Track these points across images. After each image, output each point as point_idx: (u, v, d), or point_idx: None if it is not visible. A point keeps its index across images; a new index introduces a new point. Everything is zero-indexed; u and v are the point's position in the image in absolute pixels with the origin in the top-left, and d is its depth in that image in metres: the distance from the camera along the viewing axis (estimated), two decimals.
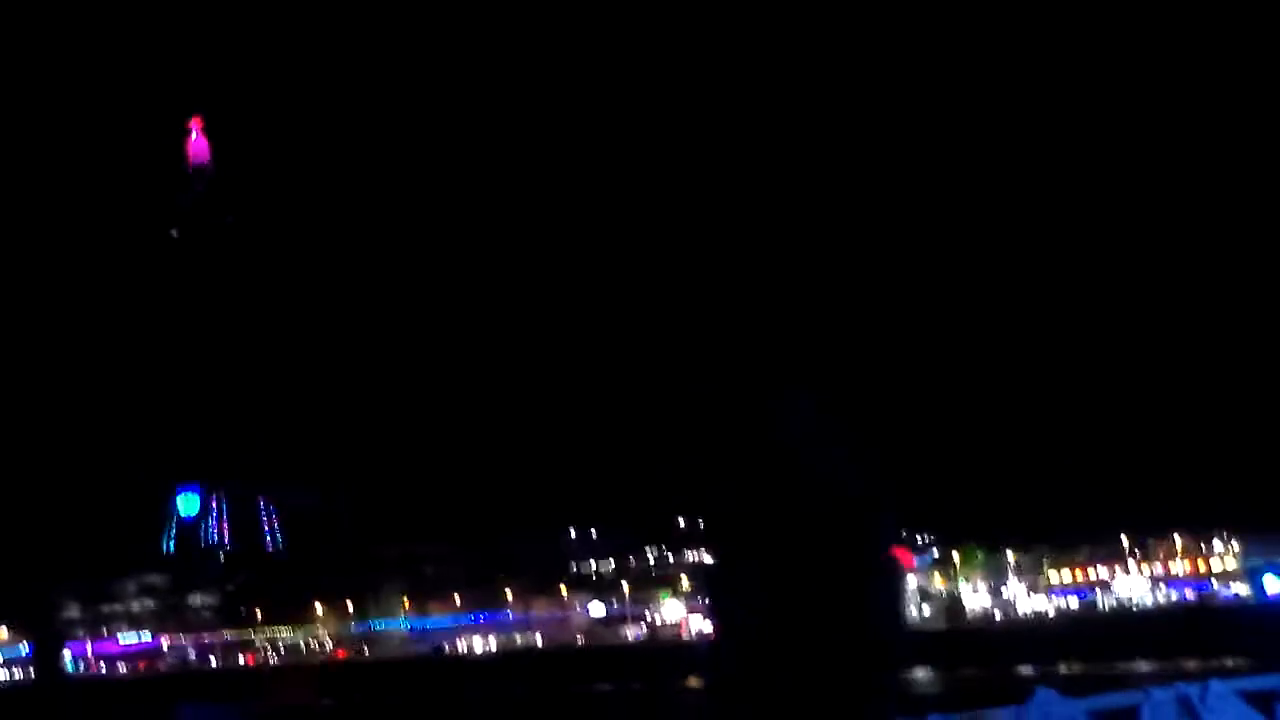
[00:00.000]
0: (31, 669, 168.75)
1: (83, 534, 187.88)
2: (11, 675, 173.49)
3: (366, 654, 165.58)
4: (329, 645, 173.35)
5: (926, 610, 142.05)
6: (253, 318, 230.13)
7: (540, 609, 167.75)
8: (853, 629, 4.60)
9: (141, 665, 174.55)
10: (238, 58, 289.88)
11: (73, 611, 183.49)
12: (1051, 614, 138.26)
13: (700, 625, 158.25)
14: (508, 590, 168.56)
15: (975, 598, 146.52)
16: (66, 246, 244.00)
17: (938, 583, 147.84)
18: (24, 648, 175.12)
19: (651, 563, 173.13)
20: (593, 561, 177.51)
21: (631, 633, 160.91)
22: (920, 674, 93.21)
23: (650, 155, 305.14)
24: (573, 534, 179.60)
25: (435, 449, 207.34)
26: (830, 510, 4.68)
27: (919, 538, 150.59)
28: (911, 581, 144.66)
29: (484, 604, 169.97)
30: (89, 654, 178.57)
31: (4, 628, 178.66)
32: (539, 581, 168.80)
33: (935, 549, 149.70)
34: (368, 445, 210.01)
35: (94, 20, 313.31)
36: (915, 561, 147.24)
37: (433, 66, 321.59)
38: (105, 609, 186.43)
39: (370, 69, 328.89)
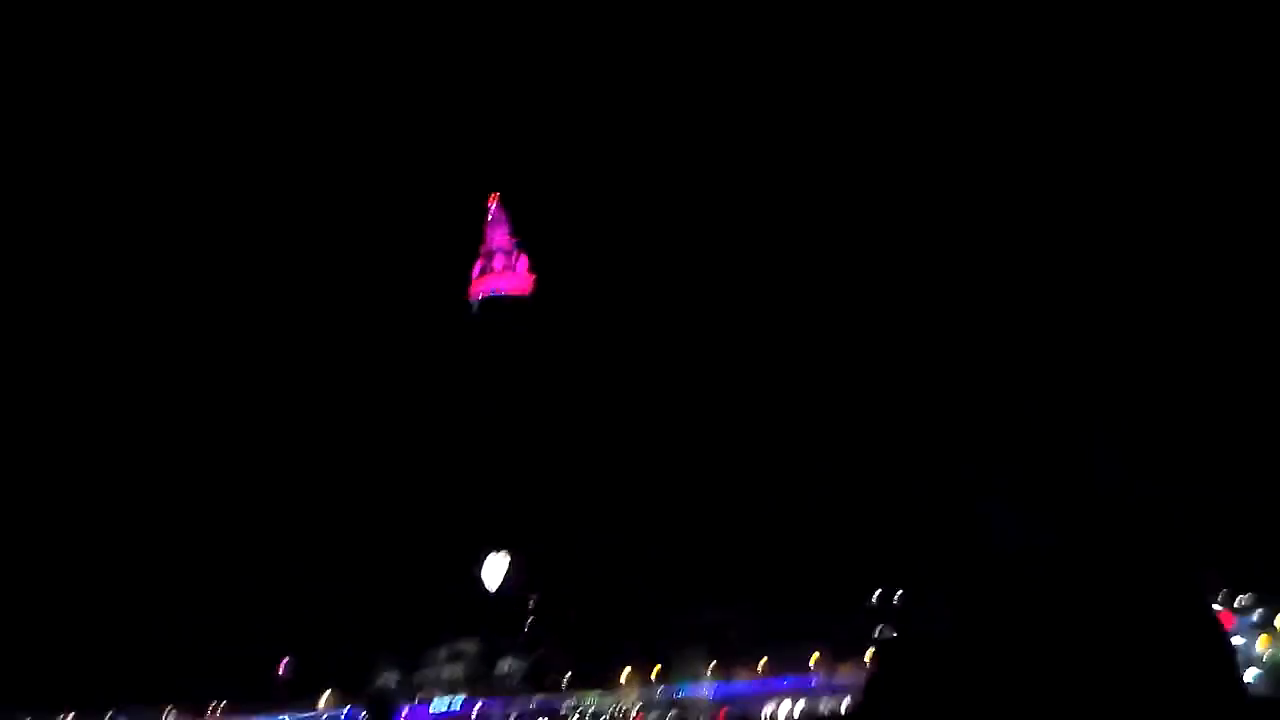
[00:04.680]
0: None
1: (399, 602, 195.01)
2: None
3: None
4: (634, 711, 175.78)
5: (1249, 677, 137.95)
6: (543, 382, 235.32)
7: (844, 674, 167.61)
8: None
9: None
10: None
11: (390, 677, 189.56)
12: None
13: None
14: (813, 656, 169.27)
15: None
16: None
17: (1261, 646, 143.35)
18: (345, 711, 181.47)
19: None
20: None
21: None
22: None
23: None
24: (874, 598, 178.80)
25: (737, 514, 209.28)
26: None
27: (1238, 598, 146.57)
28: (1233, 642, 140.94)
29: (787, 669, 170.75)
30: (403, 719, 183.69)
31: (330, 692, 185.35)
32: (842, 646, 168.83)
33: (1259, 610, 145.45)
34: (670, 506, 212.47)
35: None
36: (1235, 623, 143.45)
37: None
38: (417, 675, 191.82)
39: None
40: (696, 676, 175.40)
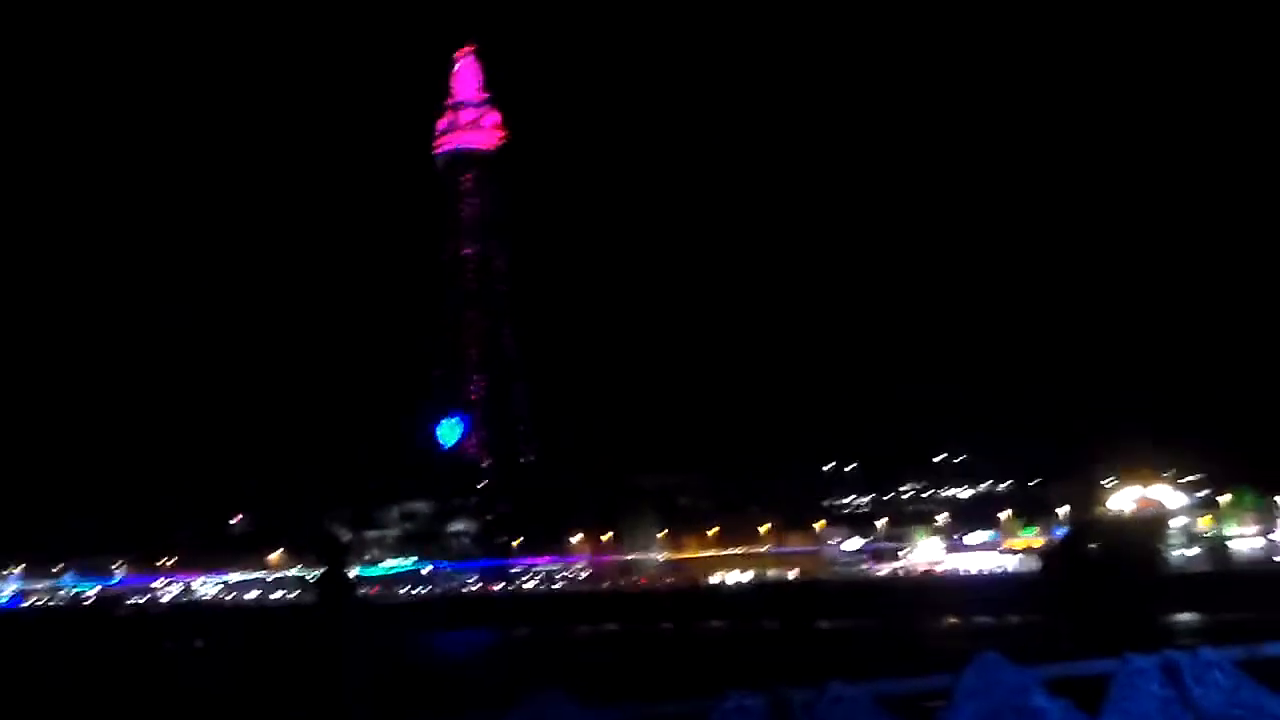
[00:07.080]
0: (318, 591, 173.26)
1: (350, 462, 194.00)
2: (291, 597, 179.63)
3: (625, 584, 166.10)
4: (583, 575, 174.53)
5: (1192, 551, 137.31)
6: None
7: (794, 543, 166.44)
8: None
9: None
10: None
11: (342, 534, 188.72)
12: None
13: (956, 563, 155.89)
14: (761, 524, 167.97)
15: (1243, 541, 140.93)
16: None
17: (1203, 524, 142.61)
18: (299, 570, 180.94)
19: (906, 499, 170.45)
20: (849, 496, 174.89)
21: (885, 569, 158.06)
22: (1184, 616, 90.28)
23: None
24: (827, 468, 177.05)
25: (692, 381, 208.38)
26: None
27: (1187, 477, 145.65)
28: (1177, 522, 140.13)
29: (738, 537, 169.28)
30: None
31: (280, 550, 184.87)
32: (793, 515, 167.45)
33: (1203, 490, 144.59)
34: (629, 377, 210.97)
35: None
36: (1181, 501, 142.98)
37: None
38: (369, 534, 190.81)
39: None
40: (647, 543, 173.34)
